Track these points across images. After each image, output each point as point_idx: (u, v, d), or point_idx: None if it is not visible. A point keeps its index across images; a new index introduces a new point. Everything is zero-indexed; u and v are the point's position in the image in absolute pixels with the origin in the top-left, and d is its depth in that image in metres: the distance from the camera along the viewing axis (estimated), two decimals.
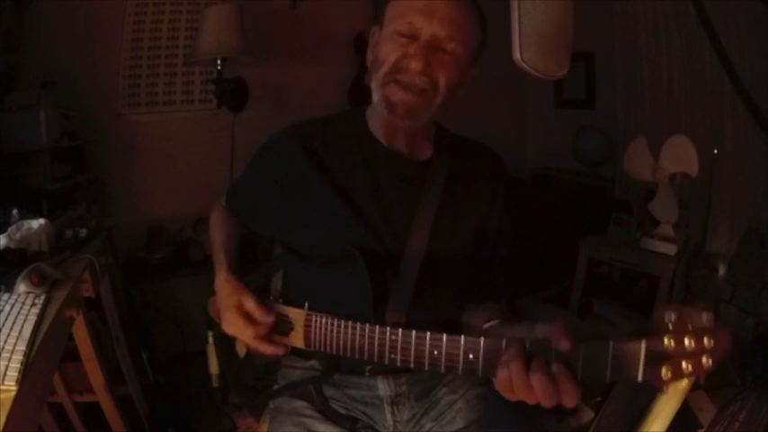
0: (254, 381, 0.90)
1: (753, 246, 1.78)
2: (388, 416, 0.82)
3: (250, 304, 0.76)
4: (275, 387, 0.90)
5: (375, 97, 0.79)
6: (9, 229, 1.15)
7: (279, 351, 0.77)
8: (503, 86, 2.73)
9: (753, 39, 1.88)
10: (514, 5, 0.74)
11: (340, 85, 2.35)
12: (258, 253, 0.96)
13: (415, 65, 0.74)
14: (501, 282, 0.85)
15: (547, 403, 0.54)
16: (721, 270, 1.81)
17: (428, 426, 0.81)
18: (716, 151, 1.97)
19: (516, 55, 0.75)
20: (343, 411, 0.83)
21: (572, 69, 0.81)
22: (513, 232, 0.86)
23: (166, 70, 2.16)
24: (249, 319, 0.75)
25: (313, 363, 0.86)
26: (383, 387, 0.82)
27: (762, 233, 1.79)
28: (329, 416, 0.82)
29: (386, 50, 0.78)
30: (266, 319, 0.75)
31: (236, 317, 0.75)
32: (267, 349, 0.77)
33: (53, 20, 1.86)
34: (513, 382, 0.56)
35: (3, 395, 0.72)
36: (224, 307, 0.78)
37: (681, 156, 1.72)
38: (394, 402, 0.82)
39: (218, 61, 1.99)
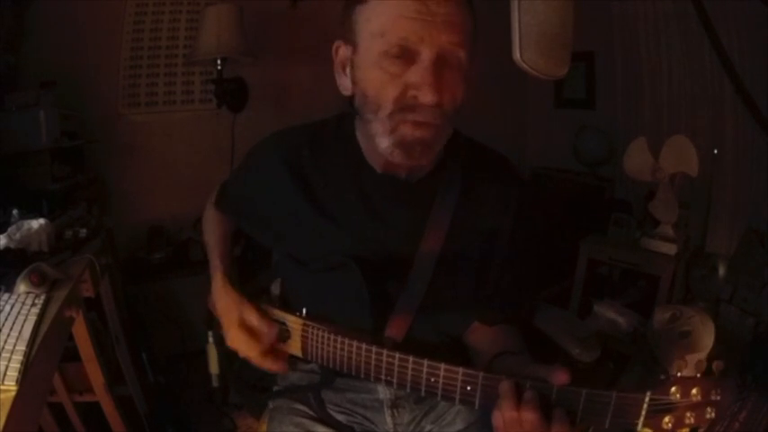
0: (255, 380, 0.90)
1: (753, 246, 1.77)
2: (388, 419, 0.82)
3: (252, 318, 0.74)
4: (275, 388, 0.90)
5: (381, 144, 0.65)
6: (9, 229, 1.15)
7: (283, 369, 0.75)
8: (503, 86, 2.72)
9: (753, 39, 1.88)
10: (514, 5, 0.74)
11: None
12: (258, 255, 0.96)
13: (429, 98, 0.60)
14: (508, 290, 0.80)
15: None
16: (721, 270, 1.81)
17: (428, 428, 0.81)
18: (716, 151, 1.97)
19: (516, 55, 0.75)
20: (341, 416, 0.82)
21: (572, 69, 0.80)
22: (523, 240, 0.81)
23: (166, 70, 2.16)
24: (253, 334, 0.73)
25: (313, 366, 0.85)
26: (383, 390, 0.82)
27: (762, 233, 1.79)
28: (328, 421, 0.82)
29: (377, 83, 0.63)
30: (270, 331, 0.73)
31: (240, 333, 0.73)
32: (272, 366, 0.74)
33: (53, 20, 1.86)
34: (504, 419, 0.55)
35: (3, 395, 0.72)
36: (226, 323, 0.76)
37: (681, 156, 1.72)
38: (394, 405, 0.82)
39: (218, 61, 1.99)
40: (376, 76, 0.63)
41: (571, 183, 2.61)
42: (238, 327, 0.74)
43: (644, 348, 1.42)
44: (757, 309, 1.64)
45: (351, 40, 0.67)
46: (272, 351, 0.75)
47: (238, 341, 0.74)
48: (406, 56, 0.61)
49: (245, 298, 0.76)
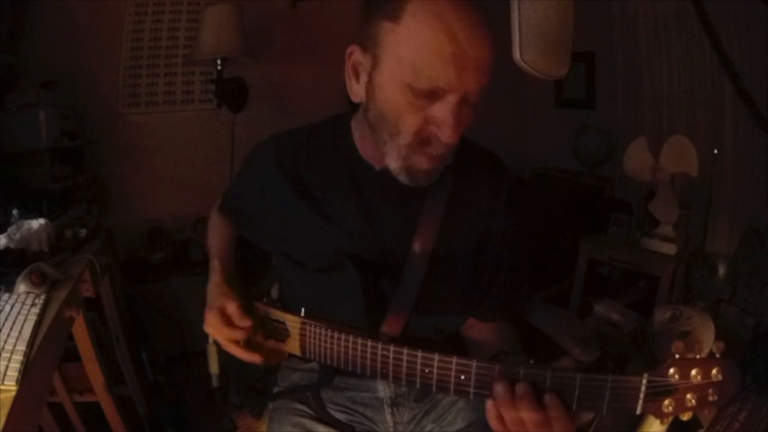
0: (255, 381, 0.90)
1: (753, 246, 1.77)
2: (389, 417, 0.82)
3: (231, 308, 0.75)
4: (275, 389, 0.90)
5: (390, 163, 0.68)
6: (9, 229, 1.15)
7: (254, 359, 0.77)
8: (503, 86, 2.72)
9: (753, 39, 1.88)
10: (514, 5, 0.74)
11: (340, 85, 2.33)
12: (258, 256, 0.96)
13: (448, 137, 0.61)
14: (502, 287, 0.82)
15: None
16: (721, 270, 1.81)
17: (429, 427, 0.81)
18: (716, 151, 1.97)
19: (516, 55, 0.75)
20: (341, 415, 0.83)
21: (572, 69, 0.80)
22: (515, 237, 0.82)
23: (166, 70, 2.16)
24: (228, 321, 0.75)
25: (313, 365, 0.86)
26: (383, 388, 0.82)
27: (762, 233, 1.78)
28: (327, 420, 0.82)
29: (398, 110, 0.63)
30: (243, 323, 0.75)
31: (216, 318, 0.75)
32: (241, 355, 0.77)
33: (53, 20, 1.86)
34: (501, 413, 0.55)
35: (3, 395, 0.72)
36: (207, 308, 0.78)
37: (681, 156, 1.72)
38: (394, 404, 0.82)
39: (218, 61, 1.99)
40: (398, 103, 0.63)
41: (571, 183, 2.61)
42: (216, 311, 0.75)
43: (644, 348, 1.42)
44: (757, 309, 1.63)
45: (371, 52, 0.64)
46: (244, 343, 0.77)
47: (212, 325, 0.76)
48: (433, 95, 0.61)
49: (233, 292, 0.78)
